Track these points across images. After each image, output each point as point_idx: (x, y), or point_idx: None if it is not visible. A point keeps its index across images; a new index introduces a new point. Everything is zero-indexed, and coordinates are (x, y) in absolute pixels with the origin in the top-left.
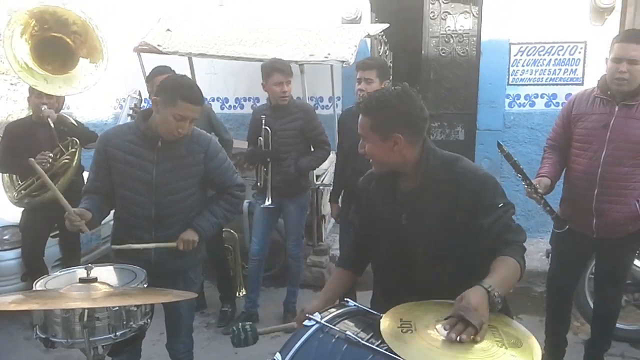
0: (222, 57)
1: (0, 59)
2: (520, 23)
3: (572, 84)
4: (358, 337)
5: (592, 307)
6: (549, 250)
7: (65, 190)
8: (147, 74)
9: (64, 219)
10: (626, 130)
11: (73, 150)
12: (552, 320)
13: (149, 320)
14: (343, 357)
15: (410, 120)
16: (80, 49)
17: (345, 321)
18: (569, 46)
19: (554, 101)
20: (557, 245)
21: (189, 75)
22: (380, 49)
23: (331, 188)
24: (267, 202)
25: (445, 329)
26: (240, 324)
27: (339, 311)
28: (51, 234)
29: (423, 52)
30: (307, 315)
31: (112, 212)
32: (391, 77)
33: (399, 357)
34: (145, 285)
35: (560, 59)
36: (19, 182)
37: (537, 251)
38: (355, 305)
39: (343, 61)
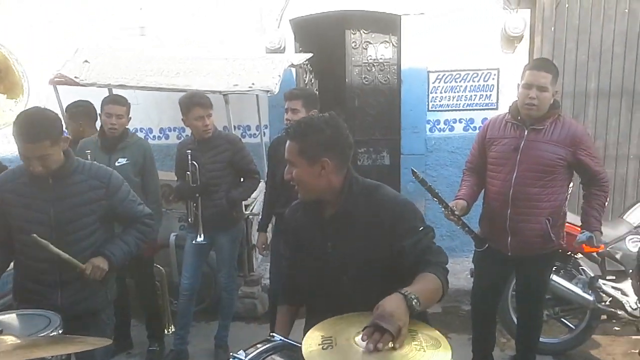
0: (143, 88)
1: None
2: (437, 52)
3: (488, 109)
4: None
5: (516, 323)
6: (473, 270)
7: None
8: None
9: None
10: (535, 153)
11: None
12: (478, 338)
13: None
14: None
15: (337, 146)
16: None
17: (272, 356)
18: (483, 73)
19: (472, 125)
20: (479, 264)
21: None
22: (306, 77)
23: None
24: (200, 239)
25: (362, 339)
26: None
27: (264, 347)
28: None
29: (347, 80)
30: (231, 353)
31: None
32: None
33: None
34: (61, 331)
35: (475, 86)
36: None
37: (463, 270)
38: (280, 339)
39: (267, 91)
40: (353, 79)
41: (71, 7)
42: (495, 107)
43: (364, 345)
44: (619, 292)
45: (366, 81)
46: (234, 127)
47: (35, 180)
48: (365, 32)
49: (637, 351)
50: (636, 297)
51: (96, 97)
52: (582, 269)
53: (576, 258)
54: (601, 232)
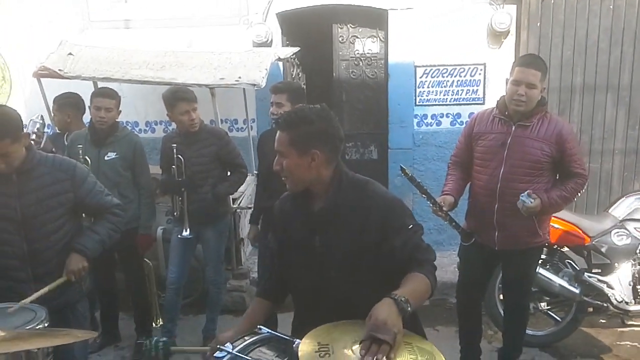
0: (129, 81)
1: None
2: (424, 46)
3: (474, 104)
4: None
5: (502, 315)
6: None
7: None
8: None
9: None
10: (522, 149)
11: None
12: (465, 330)
13: None
14: None
15: (328, 138)
16: None
17: (260, 348)
18: (469, 68)
19: (459, 120)
20: (464, 258)
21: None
22: (293, 71)
23: (251, 210)
24: (185, 233)
25: (361, 354)
26: (154, 338)
27: (252, 339)
28: None
29: (334, 74)
30: (218, 346)
31: None
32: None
33: None
34: (47, 325)
35: (462, 80)
36: None
37: (450, 263)
38: (268, 332)
39: (254, 84)
40: (340, 73)
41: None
42: (482, 101)
43: (362, 359)
44: (605, 285)
45: (353, 75)
46: (221, 120)
47: None
48: (353, 26)
49: (622, 343)
50: (621, 290)
51: (82, 92)
52: (568, 262)
53: (562, 251)
54: (540, 205)
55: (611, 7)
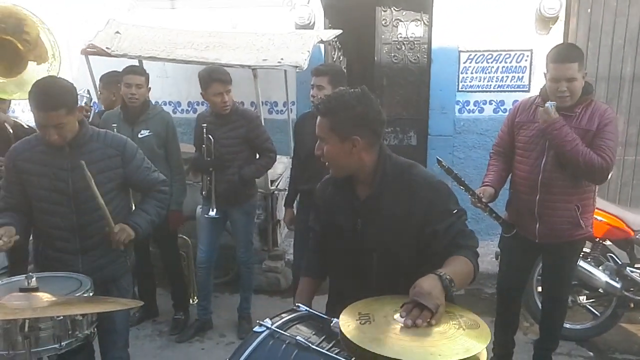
0: (173, 61)
1: None
2: (469, 31)
3: (519, 91)
4: (309, 342)
5: (540, 307)
6: (498, 253)
7: None
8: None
9: None
10: None
11: None
12: (500, 322)
13: (95, 330)
14: None
15: (368, 123)
16: (30, 53)
17: (297, 326)
18: (515, 54)
19: (502, 107)
20: (505, 249)
21: None
22: (334, 54)
23: (287, 193)
24: (212, 213)
25: (402, 316)
26: None
27: (290, 316)
28: None
29: (376, 58)
30: (258, 321)
31: None
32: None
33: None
34: (91, 294)
35: (507, 67)
36: None
37: (488, 254)
38: (306, 310)
39: (296, 66)
40: (382, 57)
41: None
42: (527, 89)
43: (402, 321)
44: None
45: (395, 60)
46: (262, 102)
47: (52, 148)
48: (397, 9)
49: None
50: None
51: None
52: (610, 256)
53: (605, 245)
54: (557, 121)
55: None
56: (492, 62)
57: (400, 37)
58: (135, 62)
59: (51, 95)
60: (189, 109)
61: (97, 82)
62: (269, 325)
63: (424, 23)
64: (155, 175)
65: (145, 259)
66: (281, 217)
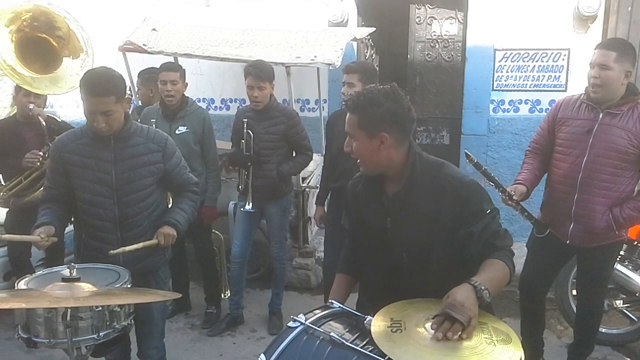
0: (208, 58)
1: None
2: (505, 29)
3: (556, 91)
4: (342, 338)
5: (575, 311)
6: None
7: None
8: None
9: None
10: (608, 138)
11: None
12: (527, 321)
13: (132, 322)
14: (327, 358)
15: (396, 120)
16: (63, 50)
17: (330, 322)
18: (552, 53)
19: (538, 107)
20: (536, 249)
21: None
22: (367, 52)
23: (318, 191)
24: (248, 207)
25: (432, 328)
26: None
27: (323, 312)
28: None
29: (409, 56)
30: (292, 316)
31: None
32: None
33: (384, 359)
34: (129, 286)
35: (544, 66)
36: (2, 182)
37: (521, 255)
38: (340, 306)
39: (329, 64)
40: (415, 55)
41: None
42: (563, 88)
43: (433, 333)
44: None
45: (429, 58)
46: (294, 100)
47: (96, 141)
48: (431, 7)
49: None
50: None
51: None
52: None
53: None
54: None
55: None
56: (528, 61)
57: (435, 35)
58: (171, 59)
59: (102, 82)
60: (222, 106)
61: (134, 79)
62: (303, 321)
63: (459, 21)
64: (190, 176)
65: (180, 254)
66: (312, 215)
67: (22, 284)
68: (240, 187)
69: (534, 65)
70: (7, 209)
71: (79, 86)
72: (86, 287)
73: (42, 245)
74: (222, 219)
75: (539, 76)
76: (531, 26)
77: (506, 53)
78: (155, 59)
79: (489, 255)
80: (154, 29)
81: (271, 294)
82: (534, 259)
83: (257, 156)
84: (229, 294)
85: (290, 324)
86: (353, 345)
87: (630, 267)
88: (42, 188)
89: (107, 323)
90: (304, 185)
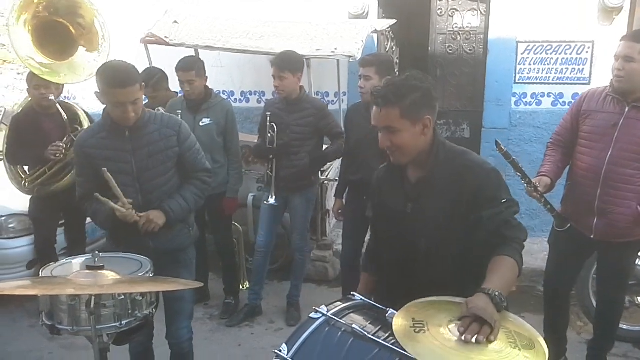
0: (229, 50)
1: (8, 48)
2: (528, 21)
3: (579, 84)
4: (364, 330)
5: (595, 307)
6: None
7: None
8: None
9: (70, 208)
10: (634, 132)
11: None
12: (550, 320)
13: (154, 310)
14: (349, 350)
15: (432, 100)
16: (81, 38)
17: (352, 315)
18: (576, 45)
19: (561, 100)
20: (557, 244)
21: None
22: (387, 44)
23: (337, 183)
24: (271, 200)
25: (459, 331)
26: None
27: (345, 304)
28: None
29: (430, 48)
30: (314, 307)
31: None
32: (397, 73)
33: (408, 354)
34: (152, 275)
35: (567, 59)
36: (25, 171)
37: (542, 250)
38: (361, 299)
39: (350, 56)
40: (436, 47)
41: None
42: (587, 82)
43: (460, 335)
44: None
45: (450, 50)
46: (314, 92)
47: (113, 133)
48: None
49: None
50: None
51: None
52: None
53: None
54: None
55: None
56: (551, 54)
57: (456, 27)
58: (192, 52)
59: (126, 72)
60: (242, 98)
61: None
62: (325, 312)
63: (481, 12)
64: (202, 160)
65: (200, 245)
66: (330, 207)
67: (46, 272)
68: (265, 180)
69: (557, 58)
70: (29, 198)
71: (97, 79)
72: (110, 275)
73: (128, 215)
74: (241, 211)
75: (562, 69)
76: (555, 18)
77: (529, 45)
78: (176, 52)
79: (497, 247)
80: (175, 22)
81: (289, 285)
82: (557, 256)
83: (283, 148)
84: (247, 285)
85: (312, 315)
86: (375, 338)
87: None
88: (66, 177)
89: (130, 312)
90: (322, 177)
